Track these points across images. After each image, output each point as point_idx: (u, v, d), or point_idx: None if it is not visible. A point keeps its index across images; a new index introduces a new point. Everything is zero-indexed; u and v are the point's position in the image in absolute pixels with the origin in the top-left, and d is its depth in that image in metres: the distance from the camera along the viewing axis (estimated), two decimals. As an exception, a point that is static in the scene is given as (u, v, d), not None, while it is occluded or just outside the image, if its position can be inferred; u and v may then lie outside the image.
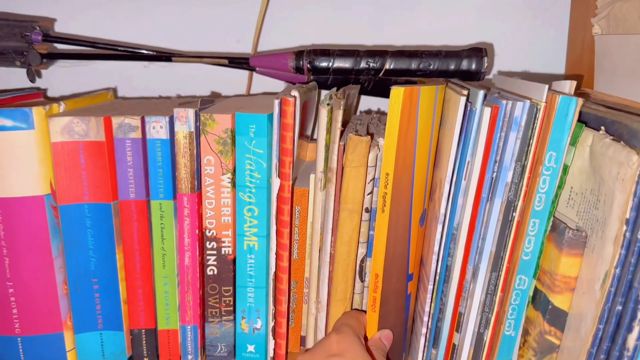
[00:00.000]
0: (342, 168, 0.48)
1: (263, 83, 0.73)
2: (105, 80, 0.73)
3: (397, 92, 0.44)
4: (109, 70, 0.72)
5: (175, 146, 0.50)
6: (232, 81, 0.72)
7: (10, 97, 0.59)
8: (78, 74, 0.72)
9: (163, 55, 0.64)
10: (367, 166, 0.48)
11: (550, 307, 0.45)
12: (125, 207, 0.51)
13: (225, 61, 0.64)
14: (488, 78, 0.70)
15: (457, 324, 0.49)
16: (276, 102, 0.48)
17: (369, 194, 0.49)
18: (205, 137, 0.50)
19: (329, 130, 0.48)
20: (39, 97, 0.65)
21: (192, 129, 0.50)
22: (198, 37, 0.71)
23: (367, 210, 0.50)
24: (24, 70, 0.64)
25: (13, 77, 0.71)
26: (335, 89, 0.54)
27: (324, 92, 0.70)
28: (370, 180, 0.49)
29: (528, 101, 0.43)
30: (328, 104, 0.48)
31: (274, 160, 0.49)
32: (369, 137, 0.47)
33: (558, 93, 0.43)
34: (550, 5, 0.70)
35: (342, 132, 0.49)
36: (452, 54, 0.59)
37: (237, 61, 0.64)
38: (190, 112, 0.49)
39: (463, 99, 0.44)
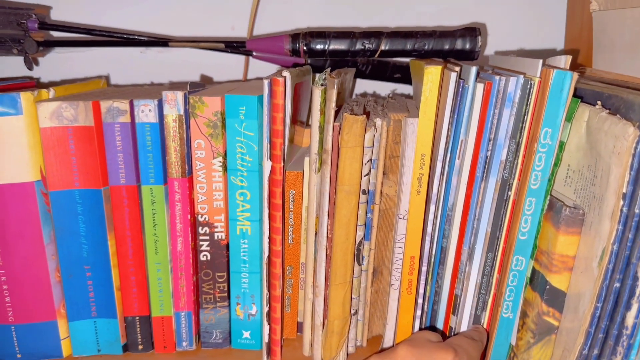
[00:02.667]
0: (338, 149, 0.47)
1: (260, 70, 0.72)
2: (101, 68, 0.72)
3: (435, 70, 0.44)
4: (104, 57, 0.72)
5: (164, 130, 0.49)
6: (229, 67, 0.72)
7: (1, 85, 0.59)
8: (73, 61, 0.72)
9: (159, 41, 0.63)
10: (364, 147, 0.47)
11: (548, 287, 0.44)
12: (116, 192, 0.51)
13: (222, 45, 0.63)
14: (486, 57, 0.69)
15: (454, 307, 0.49)
16: (266, 82, 0.47)
17: (366, 176, 0.48)
18: (195, 120, 0.49)
19: (322, 111, 0.48)
20: (32, 85, 0.65)
21: (182, 112, 0.49)
22: (193, 25, 0.71)
23: (364, 192, 0.49)
24: (19, 60, 0.63)
25: (9, 66, 0.71)
26: (329, 69, 0.53)
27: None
28: (368, 162, 0.48)
29: (522, 76, 0.42)
30: (322, 85, 0.47)
31: (265, 142, 0.48)
32: (365, 116, 0.46)
33: (553, 68, 0.42)
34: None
35: (336, 113, 0.48)
36: (447, 33, 0.58)
37: (233, 45, 0.63)
38: (179, 95, 0.48)
39: (454, 75, 0.43)
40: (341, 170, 0.47)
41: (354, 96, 0.73)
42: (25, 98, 0.49)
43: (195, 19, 0.71)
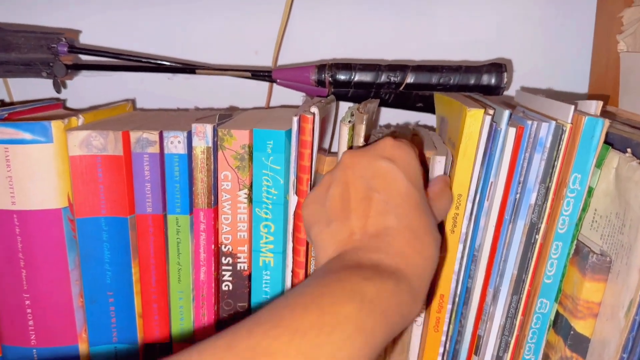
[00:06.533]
0: None
1: (282, 95, 0.72)
2: (127, 91, 0.73)
3: (477, 114, 0.43)
4: (130, 80, 0.72)
5: (192, 161, 0.50)
6: (252, 93, 0.72)
7: (30, 108, 0.59)
8: (100, 84, 0.72)
9: (187, 68, 0.64)
10: None
11: (572, 332, 0.44)
12: (142, 221, 0.51)
13: (248, 74, 0.64)
14: (510, 95, 0.69)
15: (476, 347, 0.48)
16: (295, 119, 0.47)
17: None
18: (223, 153, 0.50)
19: (349, 147, 0.48)
20: (59, 107, 0.65)
21: (210, 144, 0.49)
22: (218, 49, 0.71)
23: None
24: (48, 81, 0.64)
25: (38, 88, 0.71)
26: (357, 105, 0.53)
27: (342, 104, 0.70)
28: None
29: (554, 122, 0.42)
30: (349, 122, 0.47)
31: (292, 177, 0.49)
32: None
33: (584, 114, 0.42)
34: (574, 21, 0.68)
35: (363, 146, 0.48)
36: (472, 69, 0.58)
37: (259, 74, 0.64)
38: (208, 128, 0.49)
39: (488, 119, 0.43)
40: (368, 208, 0.47)
41: (377, 127, 0.73)
42: (55, 126, 0.49)
43: (221, 44, 0.71)
